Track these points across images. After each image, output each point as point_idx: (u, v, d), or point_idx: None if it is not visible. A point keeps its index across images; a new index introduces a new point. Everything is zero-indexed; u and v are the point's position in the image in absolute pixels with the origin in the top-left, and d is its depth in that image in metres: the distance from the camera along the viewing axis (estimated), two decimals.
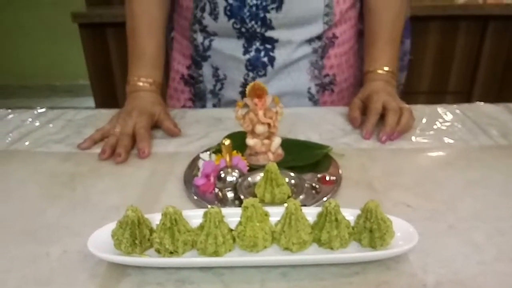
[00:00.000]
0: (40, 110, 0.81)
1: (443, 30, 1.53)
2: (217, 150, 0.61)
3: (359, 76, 0.88)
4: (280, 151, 0.60)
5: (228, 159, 0.53)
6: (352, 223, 0.43)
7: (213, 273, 0.41)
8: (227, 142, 0.52)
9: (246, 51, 0.79)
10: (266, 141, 0.59)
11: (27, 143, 0.69)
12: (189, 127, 0.72)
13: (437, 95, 1.62)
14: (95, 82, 1.98)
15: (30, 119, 0.77)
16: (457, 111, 0.77)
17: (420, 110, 0.77)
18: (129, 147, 0.64)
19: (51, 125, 0.75)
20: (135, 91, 0.75)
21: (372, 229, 0.41)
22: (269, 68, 0.79)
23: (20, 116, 0.79)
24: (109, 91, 1.99)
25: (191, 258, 0.41)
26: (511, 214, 0.49)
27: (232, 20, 0.76)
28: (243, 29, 0.76)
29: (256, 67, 0.80)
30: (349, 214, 0.43)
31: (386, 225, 0.41)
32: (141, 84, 0.75)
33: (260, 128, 0.58)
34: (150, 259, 0.41)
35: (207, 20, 0.78)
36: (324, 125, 0.73)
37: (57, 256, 0.44)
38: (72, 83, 3.23)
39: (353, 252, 0.42)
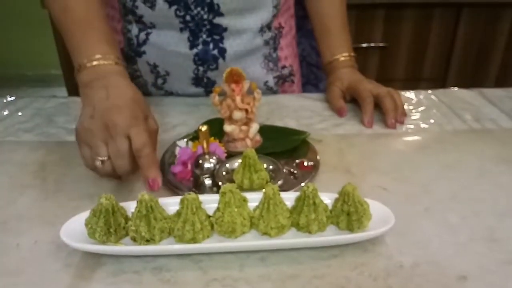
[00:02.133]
0: (9, 99, 0.78)
1: (418, 17, 1.55)
2: (194, 137, 0.60)
3: (298, 64, 0.88)
4: (258, 137, 0.60)
5: (205, 145, 0.52)
6: (330, 207, 0.43)
7: (191, 260, 0.40)
8: (204, 128, 0.51)
9: (192, 45, 0.71)
10: (244, 128, 0.58)
11: None
12: (165, 115, 0.71)
13: (412, 82, 1.64)
14: (68, 72, 1.92)
15: None
16: (432, 96, 0.78)
17: None
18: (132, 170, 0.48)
19: (20, 114, 0.72)
20: (101, 76, 0.53)
21: (349, 212, 0.41)
22: (220, 61, 0.73)
23: None
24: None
25: (168, 245, 0.41)
26: (485, 196, 0.50)
27: (174, 7, 0.67)
28: (187, 17, 0.68)
29: (206, 61, 0.73)
30: (327, 198, 0.43)
31: (363, 208, 0.41)
32: (105, 63, 0.54)
33: (237, 114, 0.57)
34: (126, 247, 0.40)
35: (142, 9, 0.69)
36: (301, 112, 0.72)
37: (28, 247, 0.42)
38: (44, 72, 3.13)
39: (331, 235, 0.42)
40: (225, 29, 0.71)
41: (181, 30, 0.70)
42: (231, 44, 0.73)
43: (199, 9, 0.68)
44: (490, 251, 0.41)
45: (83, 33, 0.58)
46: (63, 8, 0.60)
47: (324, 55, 0.79)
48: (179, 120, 0.69)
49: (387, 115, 0.67)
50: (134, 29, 0.73)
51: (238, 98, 0.56)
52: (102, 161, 0.47)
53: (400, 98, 0.69)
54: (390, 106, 0.67)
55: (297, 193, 0.43)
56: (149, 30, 0.72)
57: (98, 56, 0.55)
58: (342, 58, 0.76)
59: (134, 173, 0.48)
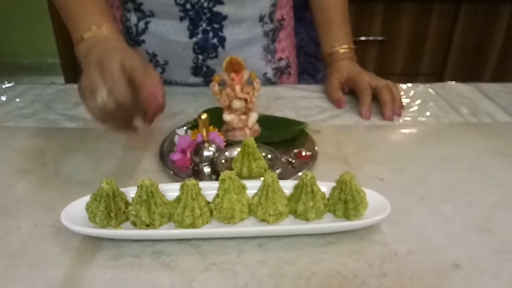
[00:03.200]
0: (8, 85, 0.78)
1: (417, 11, 1.55)
2: (193, 125, 0.61)
3: (295, 56, 0.89)
4: (257, 127, 0.60)
5: (205, 133, 0.52)
6: (327, 195, 0.44)
7: (190, 245, 0.41)
8: (204, 116, 0.51)
9: (192, 34, 0.72)
10: (243, 117, 0.59)
11: None
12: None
13: (410, 76, 1.65)
14: (65, 60, 1.91)
15: None
16: (430, 90, 0.78)
17: None
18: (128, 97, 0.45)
19: (18, 100, 0.72)
20: (97, 42, 0.53)
21: (346, 200, 0.42)
22: (220, 49, 0.74)
23: None
24: (80, 69, 1.93)
25: (168, 230, 0.41)
26: (479, 187, 0.51)
27: None
28: (187, 5, 0.69)
29: (205, 49, 0.73)
30: (324, 187, 0.44)
31: (360, 196, 0.42)
32: (102, 31, 0.55)
33: (237, 104, 0.57)
34: (126, 231, 0.41)
35: None
36: (300, 102, 0.73)
37: (28, 230, 0.43)
38: (41, 61, 3.11)
39: (328, 223, 0.43)
40: (225, 18, 0.71)
41: (181, 18, 0.70)
42: (230, 33, 0.73)
43: None
44: (483, 241, 0.42)
45: (80, 8, 0.59)
46: None
47: (324, 47, 0.79)
48: (178, 109, 0.69)
49: (385, 107, 0.67)
50: (133, 18, 0.73)
51: (237, 88, 0.57)
52: (104, 99, 0.44)
53: (398, 91, 0.70)
54: (388, 98, 0.68)
55: (295, 182, 0.43)
56: (148, 19, 0.72)
57: (93, 27, 0.55)
58: (342, 50, 0.77)
59: (137, 106, 0.46)
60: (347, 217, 0.42)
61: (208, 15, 0.70)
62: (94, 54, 0.50)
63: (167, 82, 0.80)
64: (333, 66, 0.77)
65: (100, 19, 0.57)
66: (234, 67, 0.57)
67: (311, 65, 0.95)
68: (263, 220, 0.42)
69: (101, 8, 0.59)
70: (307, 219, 0.42)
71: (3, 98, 0.73)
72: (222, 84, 0.57)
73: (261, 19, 0.75)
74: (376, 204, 0.43)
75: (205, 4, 0.69)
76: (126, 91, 0.44)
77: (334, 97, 0.73)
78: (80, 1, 0.59)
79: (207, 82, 0.78)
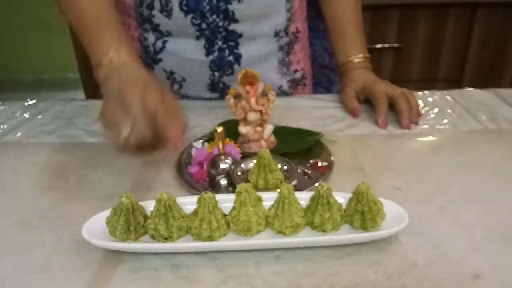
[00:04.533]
0: (30, 102, 0.81)
1: (432, 18, 1.54)
2: (210, 138, 0.62)
3: (310, 67, 0.89)
4: (272, 138, 0.61)
5: (221, 146, 0.53)
6: (344, 206, 0.44)
7: (208, 257, 0.41)
8: (220, 129, 0.52)
9: (208, 52, 0.73)
10: (258, 129, 0.59)
11: (18, 134, 0.68)
12: None
13: (428, 82, 1.63)
14: (85, 75, 1.96)
15: (20, 111, 0.77)
16: (447, 97, 0.78)
17: None
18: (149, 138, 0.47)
19: (41, 117, 0.75)
20: (116, 68, 0.55)
21: (363, 211, 0.42)
22: (236, 66, 0.74)
23: (11, 108, 0.78)
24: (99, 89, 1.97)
25: (186, 243, 0.42)
26: (499, 195, 0.50)
27: (190, 16, 0.69)
28: (203, 25, 0.70)
29: (221, 67, 0.74)
30: (341, 197, 0.44)
31: (377, 207, 0.41)
32: (120, 55, 0.56)
33: (252, 116, 0.58)
34: (145, 244, 0.42)
35: (159, 18, 0.70)
36: (315, 113, 0.73)
37: (52, 245, 0.44)
38: (61, 76, 3.19)
39: (345, 234, 0.43)
40: (240, 35, 0.72)
41: (197, 37, 0.72)
42: (246, 50, 0.74)
43: (214, 16, 0.70)
44: (504, 250, 0.42)
45: (97, 33, 0.60)
46: (77, 13, 0.63)
47: (338, 57, 0.80)
48: (195, 122, 0.70)
49: (402, 116, 0.67)
50: (151, 37, 0.75)
51: (252, 100, 0.57)
52: (125, 137, 0.46)
53: (415, 99, 0.69)
54: (405, 106, 0.67)
55: (312, 193, 0.43)
56: (165, 38, 0.74)
57: (111, 52, 0.56)
58: (357, 60, 0.77)
59: (159, 142, 0.47)
60: (364, 228, 0.42)
61: (224, 33, 0.72)
62: (114, 83, 0.51)
63: (183, 98, 0.81)
64: (348, 75, 0.77)
65: (118, 42, 0.58)
66: (249, 80, 0.57)
67: (325, 77, 0.95)
68: (280, 232, 0.42)
69: (118, 31, 0.61)
70: (324, 231, 0.42)
71: (26, 115, 0.75)
72: (238, 97, 0.58)
73: (277, 34, 0.76)
74: (393, 214, 0.43)
75: (220, 23, 0.70)
76: (147, 131, 0.46)
77: (349, 106, 0.72)
78: (96, 27, 0.61)
79: (223, 97, 0.78)
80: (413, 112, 0.68)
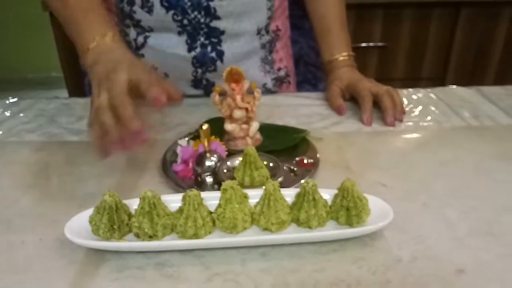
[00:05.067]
0: (12, 100, 0.79)
1: (417, 17, 1.56)
2: (195, 136, 0.61)
3: (293, 65, 0.89)
4: (258, 135, 0.61)
5: (206, 143, 0.53)
6: (330, 203, 0.44)
7: (194, 255, 0.41)
8: (205, 126, 0.52)
9: (190, 48, 0.72)
10: (244, 126, 0.59)
11: None
12: (166, 115, 0.72)
13: (411, 81, 1.65)
14: (68, 74, 1.93)
15: (1, 109, 0.75)
16: (431, 94, 0.79)
17: None
18: (133, 111, 0.46)
19: (22, 115, 0.73)
20: (103, 52, 0.56)
21: (348, 207, 0.42)
22: (218, 63, 0.74)
23: None
24: (83, 83, 1.94)
25: (171, 241, 0.41)
26: (483, 191, 0.51)
27: (172, 12, 0.69)
28: (185, 21, 0.70)
29: (204, 63, 0.74)
30: (327, 194, 0.44)
31: (362, 203, 0.42)
32: (106, 40, 0.57)
33: (238, 113, 0.58)
34: (129, 243, 0.41)
35: (140, 14, 0.70)
36: (301, 110, 0.73)
37: (33, 244, 0.43)
38: (45, 75, 3.14)
39: (331, 230, 0.43)
40: (223, 32, 0.72)
41: (179, 33, 0.71)
42: (229, 47, 0.74)
43: (196, 13, 0.69)
44: (487, 245, 0.42)
45: (82, 20, 0.61)
46: (61, 2, 0.63)
47: (324, 55, 0.80)
48: (180, 120, 0.69)
49: (386, 113, 0.67)
50: (132, 33, 0.74)
51: (238, 97, 0.57)
52: (99, 107, 0.47)
53: (399, 96, 0.70)
54: (389, 104, 0.68)
55: (297, 190, 0.43)
56: (147, 34, 0.73)
57: (97, 37, 0.57)
58: (341, 58, 0.77)
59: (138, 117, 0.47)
60: (350, 224, 0.42)
61: (206, 30, 0.71)
62: (101, 66, 0.52)
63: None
64: (333, 73, 0.77)
65: (104, 28, 0.59)
66: (234, 77, 0.57)
67: (311, 74, 0.95)
68: (266, 229, 0.42)
69: (103, 18, 0.61)
70: (309, 227, 0.42)
71: (7, 114, 0.74)
72: (223, 94, 0.58)
73: (259, 32, 0.76)
74: (378, 210, 0.43)
75: (202, 20, 0.70)
76: (127, 99, 0.47)
77: (335, 104, 0.73)
78: (82, 12, 0.61)
79: (207, 94, 0.78)
80: (397, 109, 0.68)
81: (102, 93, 0.48)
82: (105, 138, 0.47)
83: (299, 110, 0.73)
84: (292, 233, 0.42)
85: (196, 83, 0.77)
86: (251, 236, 0.42)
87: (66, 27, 0.63)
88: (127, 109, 0.46)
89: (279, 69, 0.83)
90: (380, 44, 1.59)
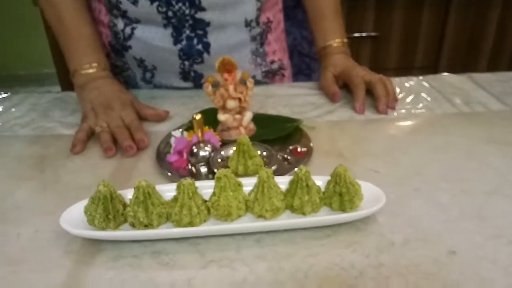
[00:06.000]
0: (4, 95, 0.79)
1: (408, 6, 1.56)
2: (189, 127, 0.61)
3: (288, 58, 0.89)
4: (252, 125, 0.61)
5: (200, 134, 0.53)
6: (323, 189, 0.44)
7: (189, 243, 0.41)
8: (198, 116, 0.52)
9: (176, 41, 0.72)
10: (237, 116, 0.59)
11: None
12: (160, 106, 0.71)
13: (404, 70, 1.65)
14: (61, 70, 1.92)
15: None
16: (423, 82, 0.79)
17: None
18: (131, 138, 0.60)
19: (14, 110, 0.73)
20: (91, 80, 0.67)
21: (341, 193, 0.42)
22: (205, 55, 0.74)
23: None
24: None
25: (167, 229, 0.42)
26: (474, 175, 0.51)
27: (156, 3, 0.68)
28: (169, 13, 0.69)
29: (191, 55, 0.73)
30: (320, 180, 0.44)
31: (354, 188, 0.42)
32: (94, 71, 0.68)
33: (231, 103, 0.58)
34: (125, 232, 0.41)
35: (125, 4, 0.69)
36: (294, 100, 0.73)
37: (28, 236, 0.43)
38: (37, 71, 3.12)
39: (324, 216, 0.43)
40: (208, 24, 0.71)
41: (165, 26, 0.71)
42: (215, 39, 0.73)
43: (180, 4, 0.68)
44: (478, 227, 0.43)
45: (74, 42, 0.70)
46: (57, 17, 0.70)
47: (317, 41, 0.80)
48: (173, 112, 0.70)
49: (379, 101, 0.68)
50: (120, 24, 0.73)
51: (231, 87, 0.57)
52: (102, 130, 0.61)
53: (392, 84, 0.70)
54: (382, 92, 0.68)
55: (291, 177, 0.44)
56: (134, 25, 0.73)
57: (86, 65, 0.69)
58: (335, 44, 0.77)
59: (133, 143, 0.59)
60: (343, 209, 0.43)
61: (191, 22, 0.70)
62: (92, 95, 0.66)
63: (157, 87, 0.81)
64: (327, 60, 0.77)
65: (93, 57, 0.70)
66: (227, 67, 0.57)
67: (305, 65, 0.95)
68: (260, 216, 0.43)
69: (94, 45, 0.71)
70: (303, 213, 0.43)
71: (0, 108, 0.73)
72: (216, 85, 0.58)
73: (248, 24, 0.75)
74: (371, 195, 0.44)
75: (187, 11, 0.69)
76: (128, 135, 0.61)
77: (329, 90, 0.73)
78: (75, 35, 0.70)
79: (197, 86, 0.78)
80: (390, 97, 0.69)
81: (100, 121, 0.62)
82: (87, 142, 0.61)
83: (292, 99, 0.74)
84: (286, 220, 0.43)
85: (184, 75, 0.77)
86: (246, 223, 0.43)
87: (57, 38, 0.71)
88: (125, 140, 0.59)
89: (272, 62, 0.82)
90: (372, 34, 1.59)
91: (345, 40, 0.79)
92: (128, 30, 0.73)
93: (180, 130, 0.60)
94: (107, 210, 0.41)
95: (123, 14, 0.72)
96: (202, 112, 0.60)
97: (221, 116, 0.59)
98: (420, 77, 0.81)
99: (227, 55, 0.73)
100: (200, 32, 0.72)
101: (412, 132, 0.62)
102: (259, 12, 0.76)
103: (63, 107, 0.73)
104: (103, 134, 0.60)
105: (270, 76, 0.84)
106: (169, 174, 0.52)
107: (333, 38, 0.77)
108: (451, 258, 0.39)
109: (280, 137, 0.59)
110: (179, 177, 0.51)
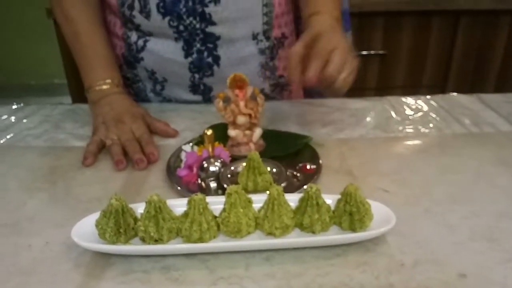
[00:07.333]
0: (17, 106, 0.80)
1: (417, 25, 1.57)
2: (199, 142, 0.62)
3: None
4: (261, 141, 0.61)
5: (210, 149, 0.53)
6: (332, 208, 0.44)
7: (198, 259, 0.41)
8: (209, 132, 0.53)
9: (187, 54, 0.74)
10: (247, 132, 0.60)
11: (4, 138, 0.68)
12: (170, 121, 0.72)
13: (412, 89, 1.66)
14: (72, 81, 1.94)
15: (6, 115, 0.76)
16: (432, 101, 0.79)
17: (396, 101, 0.79)
18: (141, 152, 0.60)
19: (26, 121, 0.74)
20: (104, 96, 0.69)
21: (351, 212, 0.42)
22: (215, 68, 0.75)
23: None
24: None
25: (176, 245, 0.42)
26: (484, 197, 0.51)
27: (168, 18, 0.70)
28: (181, 27, 0.71)
29: (201, 68, 0.75)
30: (330, 199, 0.45)
31: (365, 208, 0.42)
32: (107, 87, 0.70)
33: (241, 119, 0.58)
34: (135, 246, 0.42)
35: (139, 18, 0.72)
36: (303, 117, 0.74)
37: (39, 248, 0.43)
38: (48, 82, 3.16)
39: (334, 235, 0.43)
40: (218, 38, 0.73)
41: (176, 39, 0.73)
42: (225, 52, 0.74)
43: (191, 19, 0.70)
44: (489, 250, 0.43)
45: (90, 60, 0.72)
46: (73, 32, 0.73)
47: (307, 9, 0.69)
48: (184, 126, 0.70)
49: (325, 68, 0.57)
50: (134, 36, 0.76)
51: (241, 103, 0.58)
52: (113, 143, 0.62)
53: (352, 63, 0.60)
54: (337, 60, 0.58)
55: (301, 195, 0.44)
56: (147, 38, 0.75)
57: (100, 82, 0.70)
58: (326, 15, 0.66)
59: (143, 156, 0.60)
60: (353, 229, 0.43)
61: (202, 35, 0.72)
62: (105, 110, 0.67)
63: (166, 100, 0.82)
64: (309, 28, 0.65)
65: (108, 74, 0.71)
66: (238, 83, 0.58)
67: None
68: (270, 234, 0.43)
69: (109, 63, 0.73)
70: (313, 232, 0.43)
71: (12, 119, 0.74)
72: (227, 100, 0.59)
73: (255, 37, 0.76)
74: (381, 215, 0.44)
75: (198, 26, 0.71)
76: (139, 148, 0.61)
77: (289, 75, 0.61)
78: (91, 52, 0.72)
79: (206, 99, 0.79)
80: (334, 67, 0.57)
81: (111, 134, 0.63)
82: (98, 154, 0.62)
83: (302, 116, 0.74)
84: (295, 238, 0.43)
85: (194, 88, 0.78)
86: (255, 240, 0.43)
87: (73, 53, 0.74)
88: (136, 153, 0.60)
89: (280, 77, 0.83)
90: (380, 52, 1.60)
91: (339, 16, 0.68)
92: (141, 42, 0.75)
93: (191, 144, 0.61)
94: (118, 224, 0.41)
95: (137, 28, 0.74)
96: (213, 127, 0.61)
97: (232, 132, 0.59)
98: (428, 97, 0.81)
99: (236, 67, 0.75)
100: (210, 45, 0.73)
101: (421, 151, 0.62)
102: (268, 26, 0.76)
103: (75, 119, 0.74)
104: (114, 147, 0.61)
105: (279, 90, 0.84)
106: (179, 188, 0.53)
107: (325, 10, 0.67)
108: (462, 281, 0.39)
109: (289, 153, 0.59)
110: (188, 191, 0.52)
